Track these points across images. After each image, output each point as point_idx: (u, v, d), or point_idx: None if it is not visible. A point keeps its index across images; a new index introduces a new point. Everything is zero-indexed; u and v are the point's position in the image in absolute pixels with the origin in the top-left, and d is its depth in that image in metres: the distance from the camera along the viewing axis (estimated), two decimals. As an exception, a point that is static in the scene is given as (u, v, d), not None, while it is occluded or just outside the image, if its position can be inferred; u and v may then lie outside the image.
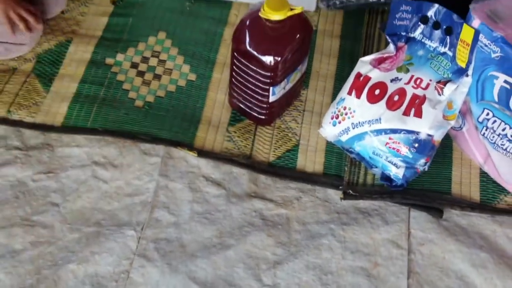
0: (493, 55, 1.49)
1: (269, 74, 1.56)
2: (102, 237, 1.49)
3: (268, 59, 1.53)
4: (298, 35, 1.56)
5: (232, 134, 1.68)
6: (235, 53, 1.59)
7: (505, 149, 1.56)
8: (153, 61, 1.80)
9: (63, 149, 1.63)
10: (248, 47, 1.54)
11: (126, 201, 1.55)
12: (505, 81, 1.49)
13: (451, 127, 1.61)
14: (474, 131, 1.63)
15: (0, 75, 1.76)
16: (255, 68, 1.56)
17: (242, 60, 1.58)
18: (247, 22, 1.56)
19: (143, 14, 1.91)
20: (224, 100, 1.74)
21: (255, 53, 1.54)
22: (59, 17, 1.87)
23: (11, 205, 1.53)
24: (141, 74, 1.78)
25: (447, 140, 1.69)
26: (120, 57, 1.81)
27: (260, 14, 1.51)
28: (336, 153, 1.67)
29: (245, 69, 1.59)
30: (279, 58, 1.53)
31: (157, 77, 1.78)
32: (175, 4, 1.92)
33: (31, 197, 1.54)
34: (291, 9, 1.50)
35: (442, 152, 1.67)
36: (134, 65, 1.79)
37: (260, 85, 1.60)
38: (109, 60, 1.80)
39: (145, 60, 1.81)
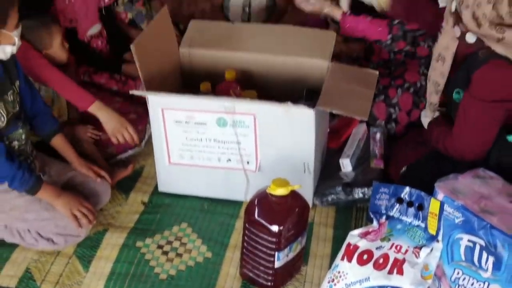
0: (456, 221, 1.83)
1: (274, 239, 1.89)
2: None
3: (273, 227, 1.87)
4: (297, 209, 1.93)
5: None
6: (246, 224, 1.94)
7: (476, 301, 1.83)
8: (176, 243, 2.15)
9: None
10: (257, 217, 1.90)
11: None
12: (469, 240, 1.81)
13: (429, 288, 1.89)
14: (449, 290, 1.90)
15: (47, 257, 2.09)
16: (262, 235, 1.90)
17: (252, 230, 1.92)
18: (257, 199, 1.94)
19: (169, 211, 2.29)
20: (235, 273, 2.05)
21: (263, 221, 1.89)
22: (98, 213, 2.25)
23: None
24: (165, 253, 2.11)
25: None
26: (148, 241, 2.15)
27: (267, 190, 1.90)
28: (334, 313, 1.92)
29: (254, 237, 1.93)
30: (282, 227, 1.88)
31: (179, 255, 2.10)
32: (195, 204, 2.32)
33: None
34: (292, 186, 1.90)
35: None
36: (159, 247, 2.14)
37: (267, 251, 1.92)
38: (139, 244, 2.14)
39: (169, 243, 2.15)
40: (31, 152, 2.19)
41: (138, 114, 2.60)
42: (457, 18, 1.92)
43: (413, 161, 2.27)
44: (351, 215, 2.28)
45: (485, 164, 2.02)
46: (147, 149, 2.53)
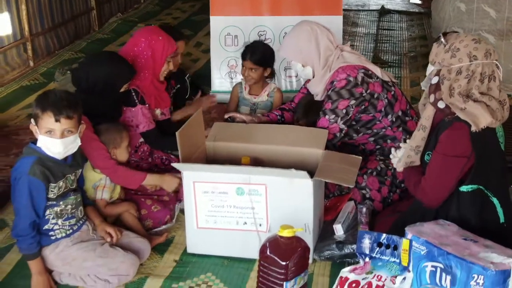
0: (422, 253, 2.40)
1: (283, 271, 2.45)
2: None
3: (282, 261, 2.44)
4: (299, 249, 2.50)
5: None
6: (261, 261, 2.50)
7: (441, 316, 2.36)
8: (203, 286, 2.70)
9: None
10: (268, 253, 2.47)
11: None
12: (432, 266, 2.37)
13: (406, 313, 2.43)
14: (420, 312, 2.43)
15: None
16: (273, 268, 2.46)
17: (265, 264, 2.48)
18: (269, 241, 2.52)
19: (197, 265, 2.86)
20: (252, 306, 2.58)
21: (274, 256, 2.46)
22: (140, 266, 2.80)
23: None
24: (195, 293, 2.66)
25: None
26: (181, 283, 2.72)
27: (277, 233, 2.49)
28: (331, 331, 2.44)
29: (267, 271, 2.48)
30: (288, 261, 2.45)
31: (208, 293, 2.65)
32: (217, 261, 2.88)
33: None
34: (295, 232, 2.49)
35: (402, 328, 2.43)
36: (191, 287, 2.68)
37: (277, 281, 2.47)
38: (174, 285, 2.70)
39: (198, 285, 2.71)
40: (82, 216, 2.80)
41: (169, 197, 3.23)
42: (437, 88, 2.58)
43: (390, 226, 2.87)
44: (343, 267, 2.83)
45: (445, 215, 2.62)
46: (176, 224, 3.15)
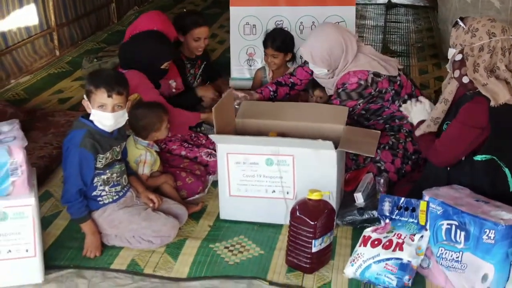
0: (438, 212, 2.67)
1: (311, 230, 2.71)
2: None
3: (311, 221, 2.70)
4: (326, 210, 2.76)
5: (290, 275, 2.75)
6: (291, 222, 2.77)
7: (454, 268, 2.62)
8: (237, 246, 2.98)
9: None
10: (298, 214, 2.73)
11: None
12: (447, 224, 2.64)
13: (423, 267, 2.70)
14: (436, 265, 2.69)
15: (146, 253, 2.89)
16: (303, 227, 2.72)
17: (296, 225, 2.75)
18: (298, 203, 2.78)
19: (230, 230, 3.11)
20: (282, 262, 2.84)
21: (303, 217, 2.72)
22: (179, 230, 3.07)
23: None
24: (230, 251, 2.94)
25: (421, 278, 2.73)
26: (217, 244, 2.99)
27: (307, 197, 2.75)
28: (355, 283, 2.70)
29: (297, 230, 2.75)
30: (316, 221, 2.71)
31: (241, 252, 2.93)
32: (249, 226, 3.14)
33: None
34: (322, 195, 2.76)
35: (420, 282, 2.70)
36: (226, 247, 2.97)
37: (306, 239, 2.73)
38: (211, 245, 2.98)
39: (232, 245, 2.98)
40: (126, 184, 3.07)
41: (200, 171, 3.50)
42: (461, 64, 2.81)
43: (406, 193, 3.13)
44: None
45: (458, 182, 2.88)
46: (208, 195, 3.43)
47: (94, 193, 2.93)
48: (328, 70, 3.55)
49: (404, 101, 3.45)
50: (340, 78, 3.52)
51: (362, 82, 3.44)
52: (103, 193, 2.95)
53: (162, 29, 3.78)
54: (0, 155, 2.53)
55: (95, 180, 2.91)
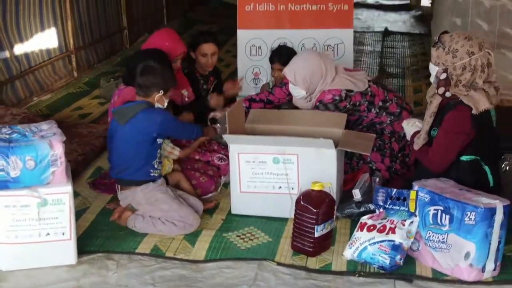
0: (426, 200, 3.02)
1: (314, 217, 3.07)
2: None
3: (314, 208, 3.06)
4: (327, 200, 3.12)
5: (295, 258, 3.10)
6: (296, 210, 3.12)
7: (441, 248, 2.96)
8: (248, 235, 3.35)
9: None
10: (302, 203, 3.09)
11: None
12: (434, 209, 2.99)
13: (413, 250, 3.05)
14: (424, 247, 3.04)
15: (167, 240, 3.24)
16: (307, 215, 3.08)
17: (300, 212, 3.10)
18: (302, 194, 3.14)
19: (241, 222, 3.47)
20: (288, 248, 3.19)
21: (307, 205, 3.08)
22: (194, 222, 3.43)
23: None
24: (242, 238, 3.29)
25: (412, 259, 3.07)
26: (230, 233, 3.36)
27: (310, 188, 3.11)
28: (353, 264, 3.05)
29: (301, 217, 3.10)
30: (319, 209, 3.07)
31: (251, 239, 3.28)
32: (257, 219, 3.49)
33: None
34: (323, 186, 3.12)
35: (411, 262, 3.04)
36: (238, 235, 3.33)
37: (310, 225, 3.08)
38: (224, 234, 3.33)
39: (244, 234, 3.34)
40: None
41: (213, 171, 3.87)
42: (446, 82, 3.16)
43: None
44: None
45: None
46: (220, 194, 3.80)
47: (153, 162, 3.38)
48: (306, 93, 3.92)
49: (380, 107, 3.91)
50: (317, 98, 3.91)
51: (337, 98, 3.84)
52: (156, 165, 3.40)
53: (170, 44, 4.07)
54: (42, 148, 2.89)
55: (158, 151, 3.40)
